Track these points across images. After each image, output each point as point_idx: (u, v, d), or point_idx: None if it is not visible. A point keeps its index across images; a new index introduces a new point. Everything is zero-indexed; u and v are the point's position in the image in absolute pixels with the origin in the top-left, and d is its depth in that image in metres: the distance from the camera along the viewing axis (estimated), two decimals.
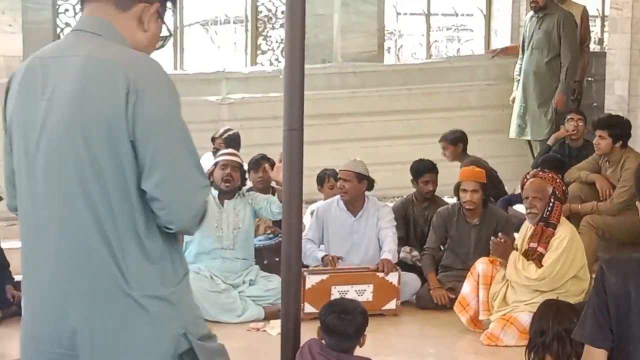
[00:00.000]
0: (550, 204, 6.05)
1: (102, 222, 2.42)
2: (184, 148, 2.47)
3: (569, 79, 8.95)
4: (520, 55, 9.38)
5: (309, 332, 4.27)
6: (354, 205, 6.90)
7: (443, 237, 6.98)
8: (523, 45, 9.32)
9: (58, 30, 9.20)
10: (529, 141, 9.46)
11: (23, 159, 2.53)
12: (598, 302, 2.69)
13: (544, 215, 6.04)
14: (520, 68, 9.33)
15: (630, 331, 2.65)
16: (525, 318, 5.69)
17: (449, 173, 7.95)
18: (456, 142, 8.36)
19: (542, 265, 5.98)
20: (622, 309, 2.65)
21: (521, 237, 6.23)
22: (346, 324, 4.17)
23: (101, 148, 2.41)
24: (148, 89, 2.43)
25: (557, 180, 6.20)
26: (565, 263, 5.94)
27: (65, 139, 2.45)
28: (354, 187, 6.82)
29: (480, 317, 6.14)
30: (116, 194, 2.42)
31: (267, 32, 10.27)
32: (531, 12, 9.29)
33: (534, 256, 6.03)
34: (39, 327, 2.57)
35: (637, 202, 2.79)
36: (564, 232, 6.04)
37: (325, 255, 6.69)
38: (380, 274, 6.49)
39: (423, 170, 7.37)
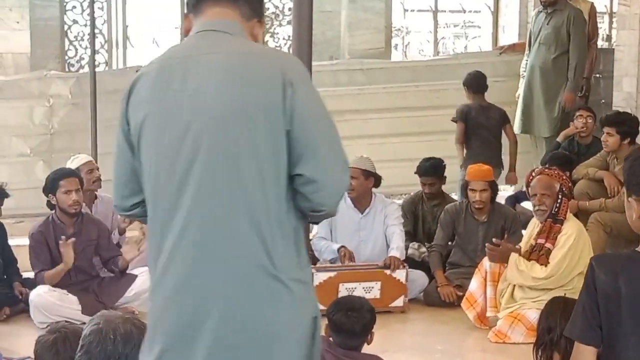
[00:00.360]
0: (559, 201, 6.05)
1: (255, 208, 2.53)
2: (335, 133, 2.64)
3: (577, 77, 8.91)
4: (527, 52, 9.35)
5: None
6: (361, 202, 6.89)
7: (450, 234, 6.97)
8: (530, 41, 9.29)
9: (65, 27, 9.21)
10: (534, 137, 9.43)
11: (162, 153, 2.59)
12: (588, 299, 2.69)
13: (552, 212, 6.05)
14: (527, 64, 9.30)
15: (620, 328, 2.64)
16: (532, 315, 5.68)
17: (456, 171, 7.96)
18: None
19: (548, 262, 5.97)
20: (612, 306, 2.65)
21: (528, 235, 6.23)
22: (354, 321, 4.17)
23: (260, 136, 2.54)
24: (301, 81, 2.59)
25: (564, 177, 6.21)
26: (572, 260, 5.93)
27: (220, 130, 2.55)
28: (361, 184, 6.81)
29: (488, 314, 6.13)
30: (270, 181, 2.55)
31: (275, 29, 10.26)
32: (539, 7, 9.25)
33: (541, 252, 6.02)
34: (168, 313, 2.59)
35: (629, 199, 2.75)
36: (571, 228, 6.03)
37: (341, 247, 6.69)
38: (388, 271, 6.49)
39: (422, 172, 7.34)
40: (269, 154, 2.54)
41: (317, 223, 2.64)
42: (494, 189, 6.89)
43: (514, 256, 6.03)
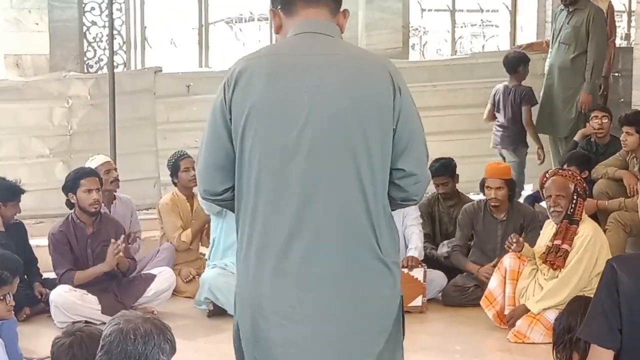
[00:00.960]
0: (574, 201, 6.03)
1: (367, 198, 2.80)
2: (423, 130, 2.95)
3: (594, 78, 8.85)
4: (550, 50, 9.30)
5: None
6: None
7: (469, 234, 6.96)
8: (553, 40, 9.25)
9: (84, 28, 9.24)
10: (553, 138, 9.40)
11: (277, 140, 2.77)
12: (609, 301, 2.64)
13: (568, 213, 6.02)
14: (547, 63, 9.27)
15: None
16: (551, 316, 5.67)
17: (474, 170, 7.93)
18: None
19: (565, 264, 5.95)
20: (635, 309, 2.61)
21: (545, 236, 6.20)
22: None
23: (373, 133, 2.79)
24: (404, 84, 2.90)
25: (578, 177, 6.18)
26: (590, 261, 5.90)
27: (338, 124, 2.78)
28: None
29: (506, 312, 6.12)
30: (379, 173, 2.82)
31: None
32: (561, 6, 9.19)
33: (559, 254, 6.00)
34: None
35: None
36: (586, 229, 6.00)
37: None
38: (405, 270, 6.48)
39: (433, 172, 7.30)
40: (378, 149, 2.80)
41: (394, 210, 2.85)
42: (510, 186, 6.87)
43: (526, 284, 6.03)
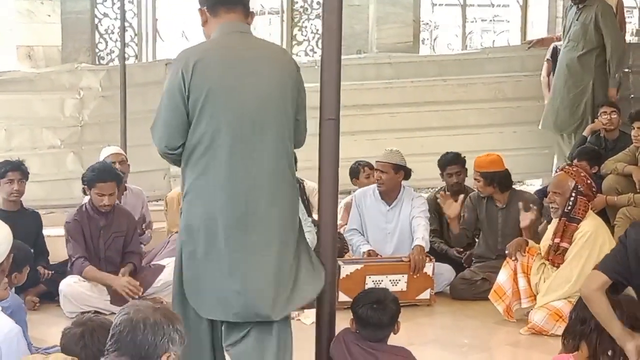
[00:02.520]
0: (572, 199, 5.98)
1: (288, 150, 3.91)
2: None
3: (617, 71, 8.82)
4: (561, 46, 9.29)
5: (343, 321, 4.29)
6: (390, 195, 6.92)
7: (475, 218, 7.01)
8: (564, 36, 9.24)
9: (96, 20, 9.27)
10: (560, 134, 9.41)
11: (231, 115, 3.75)
12: (621, 251, 3.72)
13: (565, 210, 5.99)
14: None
15: None
16: (564, 307, 5.71)
17: None
18: None
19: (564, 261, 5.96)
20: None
21: (549, 233, 6.19)
22: (379, 314, 4.19)
23: (290, 103, 3.87)
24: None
25: (582, 174, 6.08)
26: (590, 257, 5.85)
27: (273, 103, 3.80)
28: (391, 178, 6.84)
29: (524, 305, 6.11)
30: (288, 142, 3.89)
31: (303, 22, 10.28)
32: (571, 2, 9.18)
33: (558, 252, 6.00)
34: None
35: None
36: (587, 226, 5.97)
37: (368, 250, 6.73)
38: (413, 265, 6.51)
39: (446, 162, 7.37)
40: (291, 113, 3.90)
41: None
42: (492, 178, 6.86)
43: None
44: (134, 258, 6.59)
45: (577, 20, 8.94)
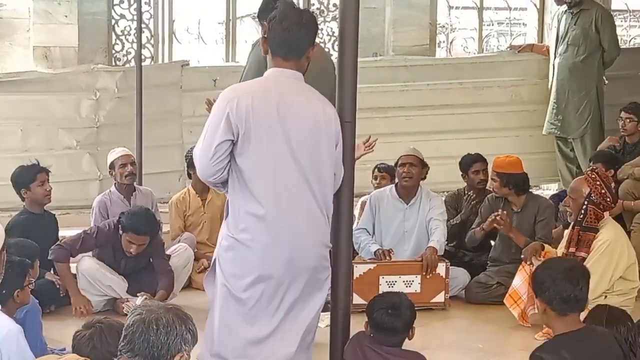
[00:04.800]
0: (584, 207, 5.92)
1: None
2: None
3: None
4: (555, 52, 9.29)
5: (357, 324, 4.27)
6: (409, 192, 6.90)
7: None
8: (556, 42, 9.22)
9: (112, 21, 9.29)
10: (561, 138, 9.40)
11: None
12: None
13: (578, 219, 5.94)
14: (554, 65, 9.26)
15: None
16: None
17: None
18: None
19: None
20: None
21: (565, 240, 6.15)
22: (394, 319, 4.18)
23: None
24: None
25: (597, 183, 5.98)
26: (609, 266, 5.83)
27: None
28: (419, 173, 6.91)
29: (529, 313, 6.09)
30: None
31: (319, 25, 10.25)
32: (564, 7, 9.16)
33: None
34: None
35: None
36: (606, 234, 5.92)
37: (377, 250, 6.71)
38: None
39: (471, 160, 7.38)
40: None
41: None
42: (512, 180, 6.83)
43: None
44: (164, 282, 6.50)
45: (575, 24, 8.94)
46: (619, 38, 10.28)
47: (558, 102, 9.17)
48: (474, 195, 7.32)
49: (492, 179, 6.97)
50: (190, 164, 7.34)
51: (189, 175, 7.60)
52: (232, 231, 4.01)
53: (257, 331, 4.00)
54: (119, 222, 6.39)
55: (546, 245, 6.24)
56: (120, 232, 6.39)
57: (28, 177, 6.57)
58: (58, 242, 6.49)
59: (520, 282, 6.19)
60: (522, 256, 6.24)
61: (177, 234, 7.40)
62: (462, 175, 7.47)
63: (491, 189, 7.05)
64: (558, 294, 3.71)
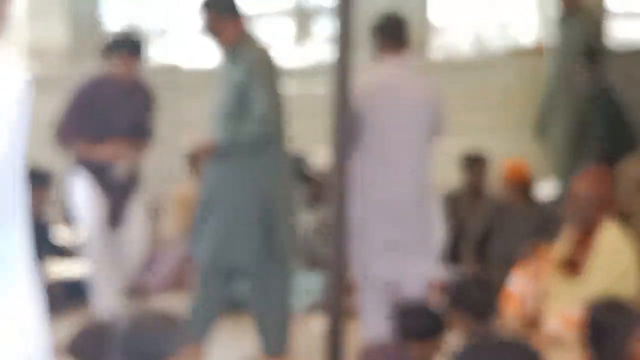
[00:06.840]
0: (584, 207, 5.89)
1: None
2: None
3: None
4: (549, 55, 9.36)
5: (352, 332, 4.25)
6: None
7: (491, 224, 6.97)
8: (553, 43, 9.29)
9: (107, 21, 9.31)
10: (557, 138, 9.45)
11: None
12: None
13: (579, 219, 5.90)
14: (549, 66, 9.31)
15: None
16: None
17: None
18: None
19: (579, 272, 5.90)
20: None
21: (564, 241, 6.12)
22: None
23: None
24: None
25: (599, 184, 5.92)
26: (612, 267, 5.81)
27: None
28: None
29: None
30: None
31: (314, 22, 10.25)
32: (560, 10, 9.25)
33: (574, 264, 5.93)
34: None
35: None
36: (609, 237, 5.88)
37: None
38: None
39: (471, 159, 7.38)
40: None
41: None
42: (517, 185, 6.87)
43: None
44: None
45: (569, 28, 9.02)
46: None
47: (546, 105, 9.22)
48: (471, 196, 7.33)
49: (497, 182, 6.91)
50: None
51: None
52: None
53: None
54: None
55: (546, 246, 6.19)
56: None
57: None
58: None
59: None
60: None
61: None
62: (461, 173, 7.50)
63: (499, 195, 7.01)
64: None
